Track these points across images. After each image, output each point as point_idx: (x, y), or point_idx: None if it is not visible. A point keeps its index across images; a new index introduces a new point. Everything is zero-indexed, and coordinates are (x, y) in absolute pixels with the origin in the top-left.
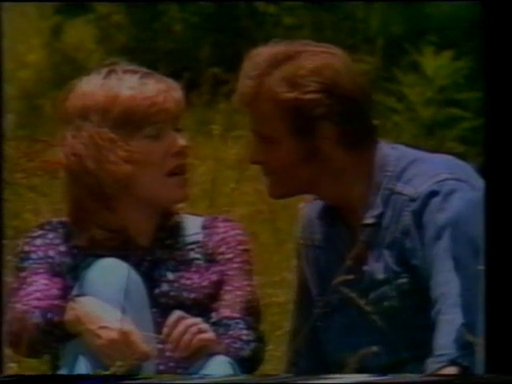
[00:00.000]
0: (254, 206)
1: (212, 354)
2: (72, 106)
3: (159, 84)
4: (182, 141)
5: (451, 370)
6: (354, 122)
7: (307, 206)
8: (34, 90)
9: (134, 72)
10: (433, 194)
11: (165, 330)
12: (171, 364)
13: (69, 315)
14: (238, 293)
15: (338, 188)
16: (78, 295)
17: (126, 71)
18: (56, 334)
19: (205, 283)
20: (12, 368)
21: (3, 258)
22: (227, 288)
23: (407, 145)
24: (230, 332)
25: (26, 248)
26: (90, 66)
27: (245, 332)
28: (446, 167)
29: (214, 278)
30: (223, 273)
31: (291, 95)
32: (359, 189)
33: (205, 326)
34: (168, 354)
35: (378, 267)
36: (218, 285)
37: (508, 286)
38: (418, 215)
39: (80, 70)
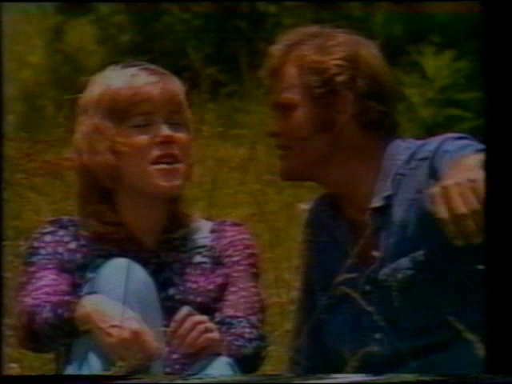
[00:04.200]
0: (253, 207)
1: (214, 355)
2: (79, 103)
3: (151, 76)
4: (166, 131)
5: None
6: (372, 101)
7: (309, 204)
8: (34, 90)
9: (134, 66)
10: (447, 138)
11: (172, 325)
12: (176, 364)
13: (79, 312)
14: (243, 293)
15: (346, 171)
16: (89, 293)
17: (126, 66)
18: (65, 330)
19: (211, 286)
20: (13, 368)
21: (3, 259)
22: (232, 289)
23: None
24: (233, 330)
25: (35, 244)
26: (91, 67)
27: (247, 330)
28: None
29: (220, 280)
30: (229, 275)
31: (317, 57)
32: (367, 175)
33: (211, 325)
34: (174, 352)
35: (388, 247)
36: (224, 287)
37: (508, 285)
38: (432, 160)
39: (81, 70)
